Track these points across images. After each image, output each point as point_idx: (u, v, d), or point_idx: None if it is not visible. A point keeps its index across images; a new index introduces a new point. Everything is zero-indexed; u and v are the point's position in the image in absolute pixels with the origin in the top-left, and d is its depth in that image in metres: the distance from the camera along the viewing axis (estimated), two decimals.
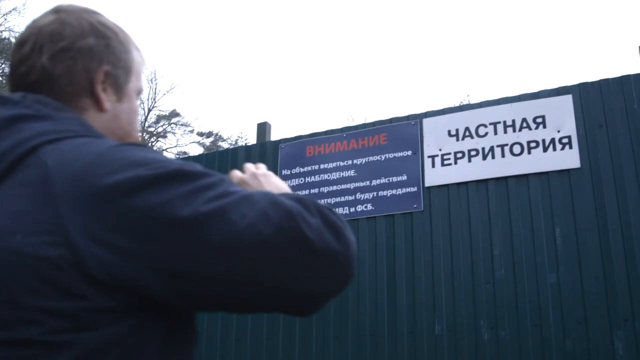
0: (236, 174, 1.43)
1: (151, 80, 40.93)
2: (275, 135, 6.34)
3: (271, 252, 0.93)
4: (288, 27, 51.79)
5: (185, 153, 35.42)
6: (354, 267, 1.01)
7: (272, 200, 0.97)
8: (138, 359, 0.94)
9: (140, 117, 35.72)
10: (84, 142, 1.01)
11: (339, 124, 34.38)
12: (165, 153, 35.36)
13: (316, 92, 49.13)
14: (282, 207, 0.96)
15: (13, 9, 28.96)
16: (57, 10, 1.19)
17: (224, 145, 35.36)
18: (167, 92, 38.82)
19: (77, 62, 1.15)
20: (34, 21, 1.19)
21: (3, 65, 30.33)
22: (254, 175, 1.39)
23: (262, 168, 1.43)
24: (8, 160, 0.98)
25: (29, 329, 0.88)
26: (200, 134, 35.98)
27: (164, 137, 36.30)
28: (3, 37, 29.80)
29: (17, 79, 1.16)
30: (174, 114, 35.83)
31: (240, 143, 34.21)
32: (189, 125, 36.22)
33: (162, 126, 36.23)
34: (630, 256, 4.35)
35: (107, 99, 1.19)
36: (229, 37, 52.28)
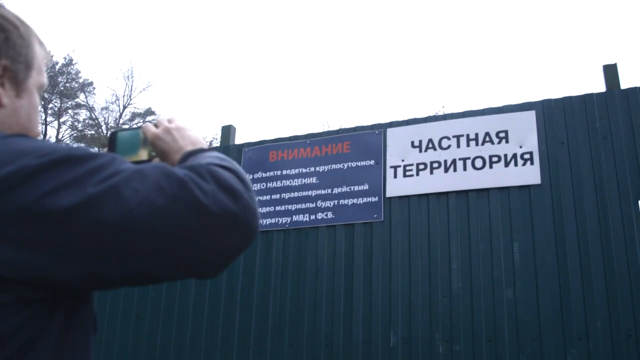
0: (150, 128, 1.42)
1: (128, 78, 40.67)
2: (239, 139, 6.28)
3: (168, 222, 0.95)
4: (262, 31, 51.75)
5: None
6: (256, 223, 1.05)
7: (164, 171, 0.99)
8: (36, 348, 0.95)
9: (115, 114, 35.47)
10: None
11: (303, 130, 34.47)
12: None
13: (283, 98, 49.18)
14: (174, 177, 0.98)
15: None
16: None
17: None
18: (144, 89, 38.48)
19: None
20: None
21: None
22: (167, 130, 1.39)
23: (175, 121, 1.41)
24: None
25: None
26: None
27: None
28: None
29: None
30: (149, 111, 35.64)
31: (215, 143, 34.06)
32: None
33: (136, 123, 35.96)
34: (587, 274, 4.35)
35: (5, 94, 1.16)
36: (206, 38, 52.12)
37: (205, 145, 1.34)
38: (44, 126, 33.44)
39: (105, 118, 35.70)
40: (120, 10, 49.58)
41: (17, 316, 0.93)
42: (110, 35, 49.69)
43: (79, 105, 35.06)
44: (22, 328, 0.93)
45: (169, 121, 1.41)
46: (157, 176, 0.98)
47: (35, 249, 0.91)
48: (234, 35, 52.15)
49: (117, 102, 39.06)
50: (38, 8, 46.49)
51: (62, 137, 34.21)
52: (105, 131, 34.80)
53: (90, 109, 35.24)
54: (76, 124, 35.10)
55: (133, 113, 35.64)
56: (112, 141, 1.52)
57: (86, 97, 35.17)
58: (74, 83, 34.82)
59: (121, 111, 35.60)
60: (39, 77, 1.24)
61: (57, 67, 34.35)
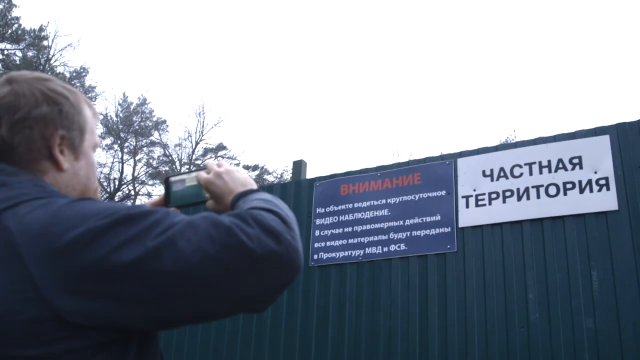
0: (202, 174, 1.54)
1: (199, 114, 41.56)
2: (310, 173, 6.37)
3: (220, 267, 1.07)
4: (331, 65, 52.23)
5: None
6: (298, 260, 1.16)
7: (213, 221, 1.11)
8: None
9: (188, 150, 36.26)
10: (39, 205, 1.12)
11: (374, 162, 34.43)
12: None
13: (353, 131, 49.35)
14: (222, 226, 1.10)
15: (68, 45, 29.87)
16: (10, 81, 1.28)
17: (270, 178, 35.59)
18: (215, 125, 39.19)
19: (33, 131, 1.25)
20: None
21: None
22: (218, 175, 1.51)
23: (224, 165, 1.54)
24: None
25: None
26: (247, 167, 36.28)
27: None
28: (58, 72, 30.72)
29: None
30: (221, 147, 36.28)
31: (286, 176, 34.41)
32: (235, 159, 36.58)
33: (209, 159, 36.62)
34: None
35: (65, 160, 1.30)
36: (276, 74, 52.93)
37: (255, 186, 1.47)
38: (120, 164, 34.49)
39: (178, 154, 36.55)
40: (190, 48, 51.00)
41: (96, 357, 1.06)
42: (182, 73, 51.11)
43: (153, 143, 36.02)
44: None
45: (219, 165, 1.54)
46: (206, 226, 1.10)
47: (105, 299, 1.05)
48: (303, 70, 52.88)
49: (189, 138, 39.93)
50: (112, 49, 48.30)
51: (138, 174, 35.17)
52: (179, 167, 35.61)
53: (164, 146, 36.15)
54: (151, 161, 36.04)
55: (205, 149, 36.37)
56: (167, 187, 1.65)
57: (160, 135, 36.11)
58: (148, 122, 35.83)
59: (194, 147, 36.37)
60: (92, 138, 1.39)
61: (132, 107, 35.48)
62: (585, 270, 4.54)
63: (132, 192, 34.05)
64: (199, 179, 1.55)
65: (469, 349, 4.71)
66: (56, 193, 1.21)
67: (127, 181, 34.82)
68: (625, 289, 4.37)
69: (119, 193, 33.84)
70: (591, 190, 4.68)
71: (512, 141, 29.79)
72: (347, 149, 47.25)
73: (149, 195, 33.87)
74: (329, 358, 5.21)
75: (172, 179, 1.66)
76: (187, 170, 1.68)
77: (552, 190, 4.81)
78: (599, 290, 4.45)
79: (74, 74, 31.15)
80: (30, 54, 28.69)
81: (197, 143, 36.40)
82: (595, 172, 4.71)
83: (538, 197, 4.84)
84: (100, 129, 34.09)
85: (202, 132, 36.57)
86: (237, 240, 1.09)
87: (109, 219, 1.08)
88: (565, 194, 4.76)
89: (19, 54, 28.55)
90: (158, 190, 34.09)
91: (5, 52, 28.31)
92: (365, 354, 5.08)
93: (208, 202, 1.57)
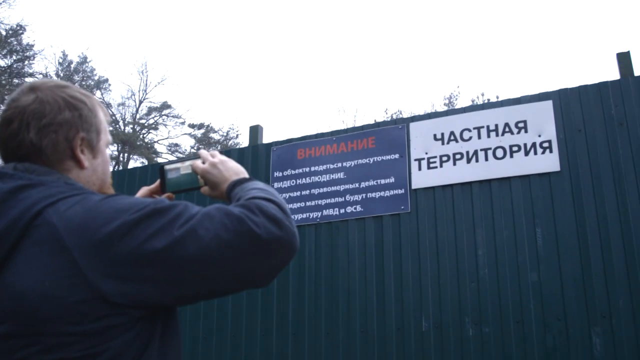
0: (198, 164, 1.74)
1: (142, 72, 40.91)
2: (267, 138, 6.52)
3: (234, 251, 1.28)
4: (283, 27, 51.78)
5: (176, 145, 35.43)
6: (296, 242, 1.38)
7: (225, 211, 1.32)
8: (146, 354, 1.29)
9: (132, 109, 35.73)
10: (75, 201, 1.32)
11: (328, 127, 34.55)
12: (156, 145, 35.36)
13: (307, 94, 49.27)
14: (233, 216, 1.31)
15: (3, 1, 28.86)
16: (33, 89, 1.45)
17: (215, 136, 35.40)
18: (158, 83, 38.72)
19: (58, 134, 1.43)
20: (15, 100, 1.44)
21: None
22: (213, 165, 1.72)
23: (217, 156, 1.75)
24: (21, 224, 1.28)
25: (70, 349, 1.21)
26: (192, 126, 35.97)
27: (155, 129, 36.28)
28: None
29: (9, 152, 1.44)
30: (165, 105, 35.82)
31: (232, 134, 34.30)
32: (180, 117, 36.19)
33: (153, 118, 36.20)
34: (607, 256, 4.56)
35: (86, 159, 1.49)
36: (223, 31, 52.20)
37: (246, 174, 1.70)
38: None
39: (122, 114, 36.01)
40: (131, 4, 49.82)
41: (131, 331, 1.27)
42: (123, 30, 49.97)
43: None
44: (135, 340, 1.28)
45: (212, 156, 1.75)
46: (221, 216, 1.31)
47: (140, 281, 1.25)
48: (258, 30, 52.29)
49: (132, 97, 39.38)
50: (50, 5, 46.83)
51: None
52: (122, 127, 35.10)
53: (107, 106, 35.56)
54: None
55: (149, 107, 35.90)
56: (162, 175, 1.86)
57: (102, 94, 35.48)
58: (89, 81, 35.13)
59: (137, 106, 35.87)
60: (106, 136, 1.59)
61: (73, 66, 34.67)
62: (530, 228, 4.86)
63: None
64: (195, 168, 1.75)
65: (424, 303, 5.01)
66: (86, 190, 1.39)
67: None
68: (566, 245, 4.71)
69: None
70: (535, 153, 4.98)
71: (456, 100, 30.35)
72: (302, 115, 47.25)
73: (180, 158, 33.51)
74: (290, 315, 5.45)
75: (167, 167, 1.86)
76: (180, 159, 1.89)
77: (499, 152, 5.09)
78: (542, 246, 4.78)
79: (10, 32, 30.20)
80: None
81: (140, 102, 35.88)
82: (539, 136, 5.00)
83: (486, 159, 5.12)
84: None
85: (145, 91, 36.05)
86: (247, 227, 1.29)
87: (140, 213, 1.28)
88: (511, 156, 5.05)
89: None
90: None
91: None
92: (326, 311, 5.33)
93: (203, 188, 1.78)
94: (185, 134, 36.11)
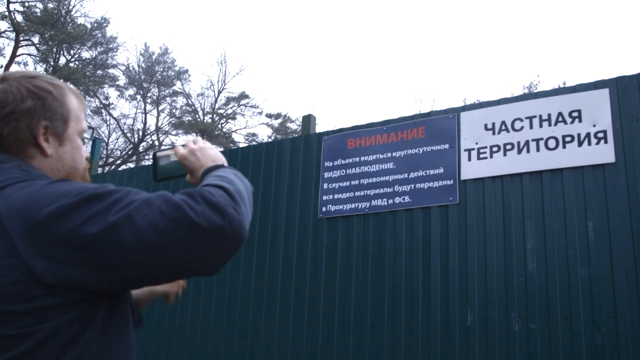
0: (179, 150, 1.77)
1: (221, 63, 41.55)
2: (320, 128, 6.51)
3: (169, 238, 1.28)
4: (357, 16, 51.62)
5: (254, 134, 35.90)
6: (242, 231, 1.36)
7: (165, 198, 1.32)
8: (84, 338, 1.32)
9: (210, 99, 36.38)
10: (23, 186, 1.35)
11: (379, 117, 34.34)
12: (234, 135, 35.88)
13: (361, 86, 49.12)
14: (172, 202, 1.31)
15: None
16: (2, 80, 1.49)
17: (292, 126, 35.67)
18: (237, 74, 39.34)
19: (20, 123, 1.47)
20: None
21: (79, 50, 31.33)
22: (192, 151, 1.74)
23: (198, 142, 1.77)
24: None
25: (4, 327, 1.26)
26: (269, 116, 36.38)
27: (234, 118, 36.87)
28: (79, 22, 30.77)
29: None
30: (243, 95, 36.35)
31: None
32: (257, 107, 36.64)
33: (231, 108, 36.78)
34: None
35: (50, 146, 1.52)
36: (300, 21, 52.48)
37: (224, 161, 1.70)
38: (143, 115, 34.74)
39: (201, 104, 36.75)
40: None
41: (68, 314, 1.29)
42: (203, 21, 50.91)
43: (176, 93, 36.23)
44: (72, 323, 1.30)
45: (194, 142, 1.77)
46: (159, 202, 1.31)
47: (73, 264, 1.27)
48: (315, 25, 52.37)
49: (212, 87, 40.08)
50: (133, 1, 48.12)
51: (161, 124, 35.45)
52: (202, 117, 35.79)
53: (187, 96, 36.35)
54: (174, 111, 36.30)
55: (228, 97, 36.50)
56: (155, 161, 1.89)
57: (182, 85, 36.28)
58: (170, 72, 35.97)
59: (216, 96, 36.52)
60: (77, 125, 1.60)
61: (154, 57, 35.55)
62: (581, 221, 4.67)
63: (157, 142, 34.40)
64: (176, 154, 1.76)
65: (469, 297, 4.90)
66: (40, 175, 1.43)
67: (151, 131, 35.16)
68: (619, 240, 4.51)
69: (143, 143, 34.20)
70: (589, 143, 4.78)
71: (536, 89, 29.49)
72: (354, 105, 47.17)
73: (172, 145, 34.19)
74: (336, 306, 5.44)
75: (159, 154, 1.88)
76: (171, 146, 1.91)
77: (552, 143, 4.92)
78: (594, 240, 4.59)
79: (95, 25, 31.23)
80: (50, 5, 28.75)
81: (219, 92, 36.53)
82: (594, 126, 4.80)
83: (538, 150, 4.95)
84: (122, 80, 34.21)
85: (224, 81, 36.66)
86: (184, 214, 1.29)
87: (77, 198, 1.30)
88: (564, 147, 4.86)
89: (40, 6, 28.63)
90: (182, 140, 34.33)
91: (27, 4, 28.41)
92: (372, 301, 5.29)
93: (187, 175, 1.78)
94: (263, 123, 36.58)
